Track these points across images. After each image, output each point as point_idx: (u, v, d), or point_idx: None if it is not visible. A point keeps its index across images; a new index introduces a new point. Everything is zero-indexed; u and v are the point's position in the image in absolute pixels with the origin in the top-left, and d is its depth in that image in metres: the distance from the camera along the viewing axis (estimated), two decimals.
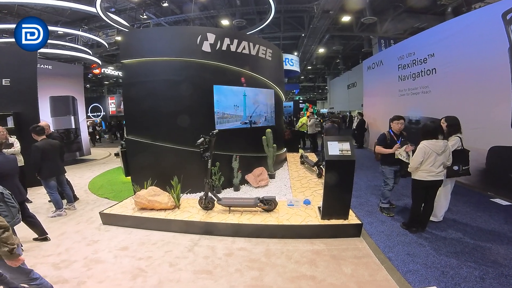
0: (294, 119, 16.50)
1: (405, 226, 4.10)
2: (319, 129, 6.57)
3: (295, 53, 18.11)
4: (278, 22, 15.10)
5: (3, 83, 6.74)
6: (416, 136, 3.90)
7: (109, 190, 6.50)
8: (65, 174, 5.23)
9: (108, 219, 4.53)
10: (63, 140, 5.60)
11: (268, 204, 4.30)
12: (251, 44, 5.92)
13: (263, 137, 6.02)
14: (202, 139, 4.04)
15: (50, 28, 12.45)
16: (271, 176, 6.14)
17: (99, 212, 4.62)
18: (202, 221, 4.13)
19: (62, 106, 10.14)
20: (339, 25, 14.50)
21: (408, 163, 4.16)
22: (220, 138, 5.40)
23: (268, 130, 6.08)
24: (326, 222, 3.95)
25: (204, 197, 4.41)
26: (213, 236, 3.98)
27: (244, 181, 5.78)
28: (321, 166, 6.03)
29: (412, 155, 4.25)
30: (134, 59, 5.13)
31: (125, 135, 5.49)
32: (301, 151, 10.18)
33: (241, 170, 5.51)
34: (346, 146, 3.68)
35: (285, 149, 7.88)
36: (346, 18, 13.09)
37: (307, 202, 4.62)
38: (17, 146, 5.51)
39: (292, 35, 16.80)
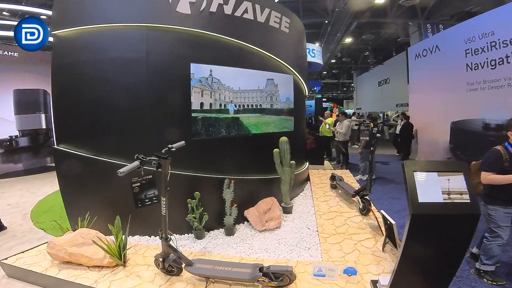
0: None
1: None
2: (366, 138, 4.40)
3: (317, 44, 16.11)
4: (296, 6, 13.20)
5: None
6: None
7: (55, 215, 4.79)
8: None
9: (15, 272, 2.95)
10: None
11: (278, 279, 2.41)
12: (257, 6, 4.05)
13: (275, 150, 4.09)
14: (137, 162, 2.18)
15: (29, 9, 11.14)
16: (286, 211, 4.21)
17: (0, 261, 3.03)
18: None
19: (30, 101, 8.71)
20: (370, 10, 12.50)
21: None
22: (203, 151, 3.64)
23: (283, 139, 4.15)
24: None
25: (160, 259, 2.57)
26: None
27: (242, 219, 3.88)
28: (367, 197, 4.03)
29: None
30: (72, 28, 3.39)
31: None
32: (326, 163, 8.21)
33: (237, 203, 3.62)
34: (457, 183, 1.70)
35: (307, 164, 5.89)
36: (379, 0, 11.12)
37: (350, 272, 2.69)
38: None
39: (313, 23, 14.79)
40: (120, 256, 2.83)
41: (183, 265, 2.58)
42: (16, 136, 8.40)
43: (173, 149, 2.51)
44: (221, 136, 3.80)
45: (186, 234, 3.59)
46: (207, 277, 2.52)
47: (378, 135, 3.87)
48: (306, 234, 3.60)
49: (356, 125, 7.94)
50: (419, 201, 1.69)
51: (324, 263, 2.90)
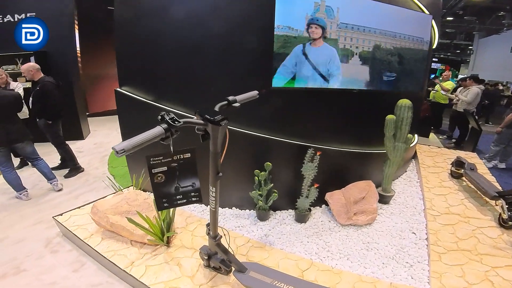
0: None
1: None
2: None
3: None
4: None
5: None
6: None
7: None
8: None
9: (66, 232, 2.58)
10: (58, 87, 3.80)
11: None
12: None
13: (389, 116, 2.75)
14: (159, 129, 1.11)
15: None
16: (383, 200, 2.99)
17: (53, 217, 2.70)
18: None
19: None
20: None
21: None
22: (284, 106, 2.59)
23: (405, 102, 2.73)
24: None
25: (205, 257, 1.82)
26: None
27: (320, 201, 2.86)
28: None
29: None
30: None
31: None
32: (432, 136, 6.31)
33: (318, 181, 2.58)
34: None
35: (416, 136, 4.13)
36: None
37: None
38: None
39: None
40: (162, 237, 2.21)
41: (233, 269, 1.78)
42: None
43: (237, 104, 1.54)
44: (312, 88, 2.58)
45: (247, 210, 2.81)
46: None
47: None
48: (410, 242, 2.43)
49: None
50: None
51: None
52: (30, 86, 4.68)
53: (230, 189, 2.73)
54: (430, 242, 2.40)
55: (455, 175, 3.55)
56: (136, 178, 2.97)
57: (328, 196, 2.74)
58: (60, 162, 4.28)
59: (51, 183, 3.52)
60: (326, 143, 2.76)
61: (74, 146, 5.19)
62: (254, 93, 1.72)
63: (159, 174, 1.29)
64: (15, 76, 4.99)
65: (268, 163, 2.49)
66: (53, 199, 3.35)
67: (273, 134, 2.59)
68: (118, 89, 2.98)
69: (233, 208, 2.83)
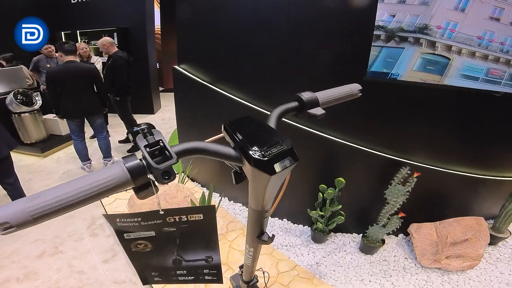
0: None
1: None
2: None
3: None
4: None
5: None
6: None
7: None
8: None
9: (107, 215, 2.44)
10: (128, 63, 3.69)
11: None
12: None
13: None
14: (121, 170, 0.42)
15: None
16: (491, 241, 2.10)
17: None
18: None
19: None
20: None
21: None
22: (377, 106, 1.78)
23: None
24: None
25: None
26: None
27: (399, 230, 2.09)
28: None
29: None
30: None
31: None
32: None
33: (402, 208, 1.85)
34: None
35: None
36: None
37: None
38: (97, 67, 4.25)
39: None
40: None
41: None
42: None
43: (318, 110, 0.70)
44: (426, 84, 1.64)
45: (300, 226, 2.27)
46: None
47: None
48: None
49: None
50: None
51: None
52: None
53: (284, 197, 2.21)
54: None
55: None
56: (183, 167, 2.69)
57: (414, 228, 1.99)
58: (126, 136, 4.35)
59: (103, 161, 3.51)
60: (423, 159, 1.92)
61: (143, 120, 5.30)
62: (355, 88, 0.83)
63: (140, 242, 0.67)
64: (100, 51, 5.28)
65: (340, 178, 1.87)
66: None
67: (350, 140, 1.90)
68: (176, 66, 2.67)
69: (284, 219, 2.33)
